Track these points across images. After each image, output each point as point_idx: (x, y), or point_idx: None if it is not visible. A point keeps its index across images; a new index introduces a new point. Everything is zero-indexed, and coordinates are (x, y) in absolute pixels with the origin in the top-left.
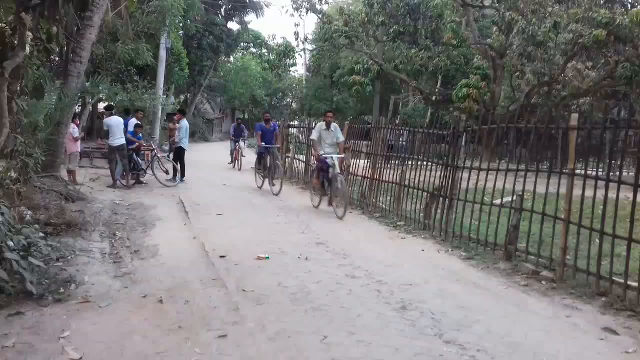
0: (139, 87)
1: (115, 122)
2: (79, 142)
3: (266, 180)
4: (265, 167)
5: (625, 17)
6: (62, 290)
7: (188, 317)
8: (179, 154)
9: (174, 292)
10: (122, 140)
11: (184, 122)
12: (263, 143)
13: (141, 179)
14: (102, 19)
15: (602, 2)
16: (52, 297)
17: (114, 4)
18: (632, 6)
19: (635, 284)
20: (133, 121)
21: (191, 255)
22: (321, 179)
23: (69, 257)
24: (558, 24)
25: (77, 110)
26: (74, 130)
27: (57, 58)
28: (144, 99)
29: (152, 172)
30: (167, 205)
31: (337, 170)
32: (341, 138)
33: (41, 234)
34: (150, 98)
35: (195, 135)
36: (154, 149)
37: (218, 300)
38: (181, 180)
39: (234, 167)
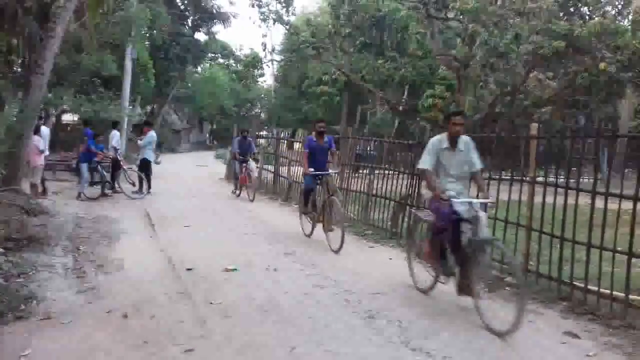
0: (104, 98)
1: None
2: (42, 155)
3: (318, 226)
4: (314, 205)
5: (583, 28)
6: (23, 307)
7: (154, 332)
8: (144, 166)
9: (139, 307)
10: (46, 152)
11: (151, 134)
12: (312, 169)
13: (106, 191)
14: (66, 29)
15: (561, 14)
16: (12, 314)
17: (78, 15)
18: (590, 18)
19: (595, 288)
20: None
21: (157, 268)
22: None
23: (31, 273)
24: (519, 35)
25: (40, 123)
26: (39, 142)
27: (20, 69)
28: (110, 110)
29: (118, 184)
30: (133, 218)
31: (484, 229)
32: (478, 164)
33: (1, 250)
34: (116, 109)
35: (163, 146)
36: (119, 161)
37: (184, 314)
38: (148, 192)
39: (239, 194)
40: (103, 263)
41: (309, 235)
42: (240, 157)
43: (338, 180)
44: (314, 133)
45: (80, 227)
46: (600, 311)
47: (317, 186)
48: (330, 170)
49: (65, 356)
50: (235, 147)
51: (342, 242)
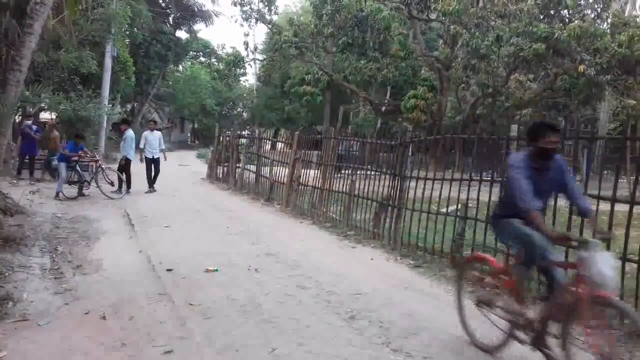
0: (83, 96)
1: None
2: None
3: None
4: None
5: (563, 31)
6: None
7: (132, 334)
8: (124, 165)
9: (118, 308)
10: None
11: (130, 132)
12: None
13: (84, 191)
14: (44, 26)
15: (541, 17)
16: None
17: (57, 11)
18: (570, 21)
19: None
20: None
21: (137, 269)
22: None
23: (7, 274)
24: (500, 37)
25: (17, 120)
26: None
27: None
28: (88, 109)
29: (97, 184)
30: (112, 218)
31: None
32: None
33: None
34: (95, 107)
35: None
36: (98, 160)
37: (164, 315)
38: (127, 192)
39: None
40: (81, 264)
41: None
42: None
43: (319, 180)
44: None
45: (58, 227)
46: None
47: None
48: None
49: (42, 358)
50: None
51: None
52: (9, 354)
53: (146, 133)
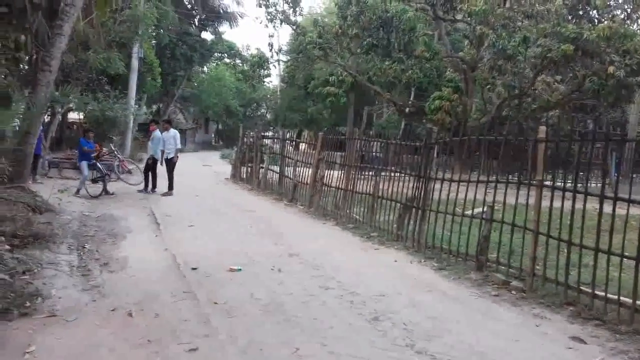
0: (110, 97)
1: None
2: None
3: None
4: None
5: (592, 32)
6: (28, 304)
7: (158, 331)
8: (151, 165)
9: (143, 305)
10: None
11: (157, 133)
12: None
13: (108, 188)
14: (73, 27)
15: (569, 17)
16: (17, 311)
17: (86, 12)
18: (599, 21)
19: (602, 293)
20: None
21: (162, 267)
22: None
23: (36, 270)
24: (527, 38)
25: (46, 120)
26: None
27: (27, 67)
28: (115, 109)
29: (117, 175)
30: (138, 216)
31: None
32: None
33: (7, 247)
34: (122, 108)
35: None
36: (117, 155)
37: (189, 312)
38: (152, 191)
39: None
40: (108, 261)
41: None
42: None
43: (343, 181)
44: None
45: (85, 225)
46: (607, 317)
47: None
48: None
49: (69, 353)
50: None
51: None
52: (38, 348)
53: (163, 134)
